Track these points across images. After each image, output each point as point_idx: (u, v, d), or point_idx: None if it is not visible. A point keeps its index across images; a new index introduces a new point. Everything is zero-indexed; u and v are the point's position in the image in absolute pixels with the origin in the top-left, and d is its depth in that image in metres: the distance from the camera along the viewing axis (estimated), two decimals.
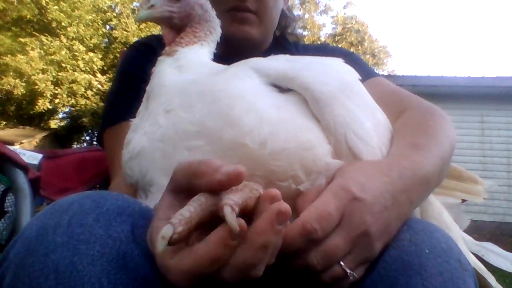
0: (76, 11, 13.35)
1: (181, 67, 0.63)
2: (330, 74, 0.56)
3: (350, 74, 0.60)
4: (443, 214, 0.68)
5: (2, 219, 0.80)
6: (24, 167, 0.71)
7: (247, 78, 0.55)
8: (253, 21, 0.90)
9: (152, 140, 0.54)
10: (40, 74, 12.65)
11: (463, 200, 0.73)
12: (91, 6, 13.90)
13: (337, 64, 0.60)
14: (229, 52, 0.81)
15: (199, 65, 0.64)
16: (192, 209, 0.35)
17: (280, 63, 0.57)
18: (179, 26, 0.71)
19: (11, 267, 0.40)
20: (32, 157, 0.82)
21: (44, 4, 12.90)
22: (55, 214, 0.42)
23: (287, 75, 0.55)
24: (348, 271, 0.45)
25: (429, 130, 0.62)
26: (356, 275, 0.46)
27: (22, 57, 12.28)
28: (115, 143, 0.81)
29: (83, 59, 13.42)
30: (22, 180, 0.70)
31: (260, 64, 0.57)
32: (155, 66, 0.67)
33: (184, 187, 0.39)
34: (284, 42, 1.07)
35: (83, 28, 13.65)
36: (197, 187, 0.37)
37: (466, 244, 0.68)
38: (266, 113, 0.49)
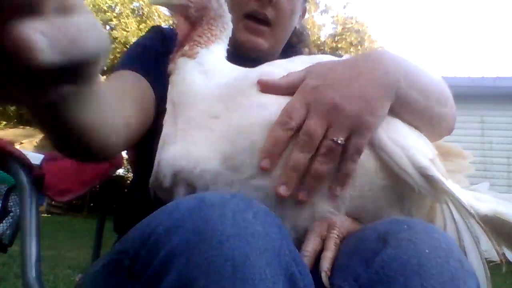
0: None
1: (207, 72, 0.66)
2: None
3: None
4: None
5: (6, 218, 0.80)
6: (28, 166, 0.71)
7: None
8: (265, 34, 0.91)
9: (210, 144, 0.59)
10: None
11: None
12: (91, 6, 13.90)
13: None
14: (233, 53, 0.82)
15: (224, 68, 0.69)
16: None
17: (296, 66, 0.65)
18: (193, 17, 0.71)
19: (180, 252, 0.42)
20: (33, 158, 0.82)
21: None
22: (214, 208, 0.45)
23: None
24: (334, 138, 0.54)
25: None
26: (342, 139, 0.54)
27: None
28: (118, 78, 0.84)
29: None
30: (26, 178, 0.71)
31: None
32: (176, 68, 0.68)
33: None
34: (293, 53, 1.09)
35: None
36: None
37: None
38: None
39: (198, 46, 0.68)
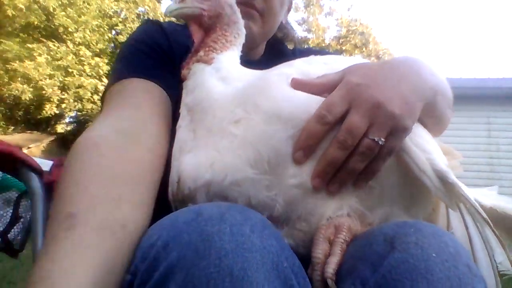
0: (82, 16, 13.47)
1: (225, 78, 0.66)
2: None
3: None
4: None
5: (17, 224, 0.82)
6: (39, 171, 0.72)
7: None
8: (256, 19, 0.90)
9: (234, 151, 0.57)
10: (47, 79, 12.75)
11: None
12: (97, 11, 14.02)
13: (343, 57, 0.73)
14: None
15: (241, 74, 0.68)
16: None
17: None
18: (207, 25, 0.71)
19: (179, 267, 0.43)
20: (43, 164, 0.84)
21: (52, 10, 13.02)
22: (212, 222, 0.45)
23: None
24: (375, 138, 0.53)
25: None
26: (383, 140, 0.54)
27: (29, 62, 12.38)
28: (118, 95, 0.76)
29: (89, 64, 13.53)
30: (37, 184, 0.72)
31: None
32: (191, 73, 0.68)
33: None
34: (282, 48, 1.09)
35: (89, 33, 13.76)
36: None
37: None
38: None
39: (213, 52, 0.68)
